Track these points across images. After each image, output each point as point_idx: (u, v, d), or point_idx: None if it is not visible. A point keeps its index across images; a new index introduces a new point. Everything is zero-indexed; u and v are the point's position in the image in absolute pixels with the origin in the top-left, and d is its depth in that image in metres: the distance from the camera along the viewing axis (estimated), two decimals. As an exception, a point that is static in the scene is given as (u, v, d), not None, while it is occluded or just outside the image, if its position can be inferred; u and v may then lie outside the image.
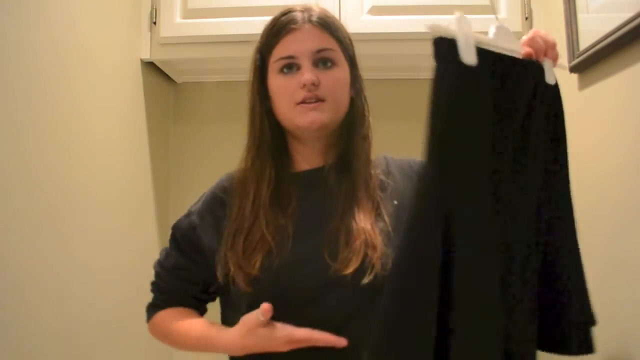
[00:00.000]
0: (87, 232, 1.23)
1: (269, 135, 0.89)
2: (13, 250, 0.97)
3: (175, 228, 0.95)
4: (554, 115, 0.81)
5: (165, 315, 0.95)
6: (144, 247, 1.59)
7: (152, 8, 1.56)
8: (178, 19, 1.55)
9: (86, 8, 1.26)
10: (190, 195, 0.96)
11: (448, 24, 0.64)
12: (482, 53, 0.66)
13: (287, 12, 0.88)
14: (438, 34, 0.64)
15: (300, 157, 0.92)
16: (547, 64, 0.79)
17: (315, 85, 0.84)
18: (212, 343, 0.87)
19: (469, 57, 0.64)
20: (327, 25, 0.87)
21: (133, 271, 1.46)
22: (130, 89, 1.54)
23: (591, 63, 1.18)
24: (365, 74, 2.06)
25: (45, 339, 1.04)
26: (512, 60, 0.72)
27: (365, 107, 0.93)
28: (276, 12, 0.90)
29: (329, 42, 0.87)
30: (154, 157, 1.67)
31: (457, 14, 0.65)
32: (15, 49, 0.99)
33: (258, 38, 0.92)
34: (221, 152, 1.62)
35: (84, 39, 1.25)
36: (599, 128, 1.17)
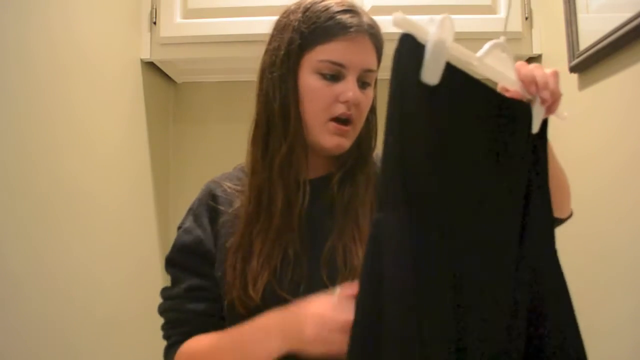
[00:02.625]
0: (86, 233, 1.23)
1: (302, 139, 0.80)
2: (11, 253, 0.96)
3: (178, 248, 0.84)
4: (535, 162, 0.70)
5: (191, 343, 0.80)
6: (144, 248, 1.59)
7: (152, 8, 1.56)
8: (178, 19, 1.55)
9: (86, 8, 1.26)
10: (190, 195, 0.96)
11: (428, 22, 0.56)
12: (452, 70, 0.58)
13: (345, 10, 0.79)
14: (407, 31, 0.55)
15: (308, 164, 0.83)
16: (535, 110, 0.67)
17: (355, 106, 0.79)
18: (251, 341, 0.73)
19: (432, 75, 0.55)
20: (378, 42, 0.82)
21: (133, 273, 1.46)
22: (130, 89, 1.54)
23: (591, 63, 1.18)
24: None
25: (45, 342, 1.04)
26: (488, 90, 0.63)
27: (376, 124, 0.87)
28: (277, 13, 0.85)
29: (375, 62, 0.82)
30: (154, 157, 1.67)
31: (442, 16, 0.57)
32: (15, 49, 0.99)
33: (266, 37, 0.84)
34: (221, 152, 1.62)
35: (84, 39, 1.25)
36: (599, 128, 1.17)
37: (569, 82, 1.27)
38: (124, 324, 1.37)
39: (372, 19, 0.82)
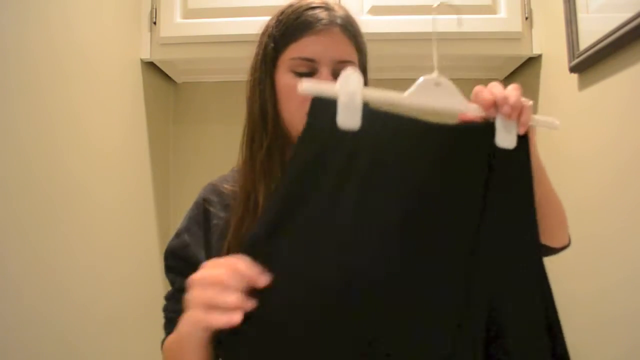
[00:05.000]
0: (86, 233, 1.23)
1: (281, 138, 0.81)
2: (11, 252, 0.96)
3: (168, 252, 0.86)
4: (506, 187, 0.66)
5: (169, 338, 0.80)
6: (144, 248, 1.59)
7: (152, 8, 1.56)
8: (178, 19, 1.55)
9: (86, 8, 1.26)
10: (190, 195, 0.96)
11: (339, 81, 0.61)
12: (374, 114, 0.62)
13: (312, 7, 0.81)
14: (316, 93, 0.61)
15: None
16: (499, 123, 0.65)
17: None
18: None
19: (349, 120, 0.61)
20: (352, 32, 0.83)
21: (132, 273, 1.46)
22: (130, 89, 1.54)
23: (591, 63, 1.18)
24: (365, 74, 2.03)
25: (44, 342, 1.04)
26: (416, 123, 0.64)
27: None
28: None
29: (351, 53, 0.82)
30: (154, 157, 1.67)
31: (346, 71, 0.62)
32: (14, 49, 0.99)
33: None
34: (221, 152, 1.62)
35: (84, 39, 1.25)
36: (599, 128, 1.17)
37: (569, 82, 1.27)
38: (124, 323, 1.37)
39: (345, 13, 0.83)
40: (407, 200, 0.63)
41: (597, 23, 1.14)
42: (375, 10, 1.53)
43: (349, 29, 0.82)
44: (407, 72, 1.74)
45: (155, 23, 1.56)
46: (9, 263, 0.95)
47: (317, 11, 0.81)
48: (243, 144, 0.86)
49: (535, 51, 1.52)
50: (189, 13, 1.54)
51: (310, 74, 0.79)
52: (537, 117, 0.67)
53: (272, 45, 0.82)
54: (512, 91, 0.66)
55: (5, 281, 0.94)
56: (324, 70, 0.79)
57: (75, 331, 1.15)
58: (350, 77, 0.62)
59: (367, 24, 1.53)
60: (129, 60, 1.53)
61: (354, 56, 0.83)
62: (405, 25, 1.50)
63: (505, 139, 0.65)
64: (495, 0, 1.51)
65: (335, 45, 0.80)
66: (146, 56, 1.57)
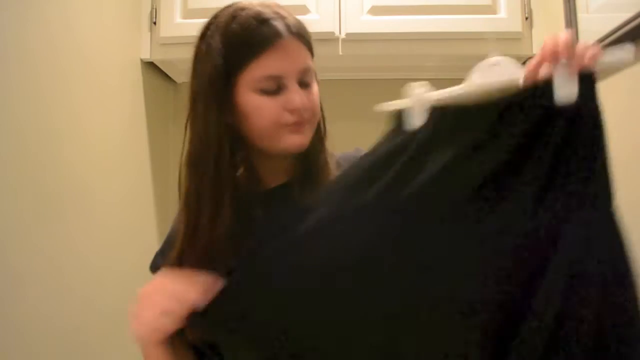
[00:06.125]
0: (87, 231, 1.23)
1: (228, 149, 0.77)
2: (14, 248, 0.96)
3: (151, 268, 0.89)
4: (568, 146, 0.58)
5: None
6: (144, 247, 1.59)
7: (152, 8, 1.56)
8: (178, 19, 1.55)
9: (86, 8, 1.26)
10: (190, 195, 0.96)
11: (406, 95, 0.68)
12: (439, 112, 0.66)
13: (263, 19, 0.75)
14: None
15: (265, 173, 0.83)
16: (557, 78, 0.57)
17: (305, 110, 0.77)
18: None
19: (415, 120, 0.66)
20: (306, 39, 0.79)
21: (132, 270, 1.46)
22: (130, 89, 1.54)
23: (591, 63, 1.18)
24: (365, 74, 2.05)
25: (45, 336, 1.04)
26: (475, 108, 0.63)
27: (324, 118, 0.85)
28: None
29: (309, 59, 0.79)
30: (154, 157, 1.67)
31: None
32: (14, 49, 0.99)
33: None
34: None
35: (84, 39, 1.25)
36: (599, 128, 1.17)
37: (569, 82, 1.27)
38: (123, 319, 1.37)
39: (293, 17, 0.78)
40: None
41: (597, 23, 1.14)
42: (375, 10, 1.52)
43: (303, 35, 0.78)
44: (407, 72, 1.75)
45: (155, 23, 1.56)
46: (11, 260, 0.95)
47: (272, 23, 0.75)
48: (185, 177, 0.86)
49: (535, 51, 1.51)
50: (189, 13, 1.54)
51: (278, 90, 0.75)
52: (606, 55, 0.57)
53: (224, 66, 0.75)
54: (562, 38, 0.58)
55: (7, 277, 0.94)
56: (292, 85, 0.76)
57: (75, 325, 1.16)
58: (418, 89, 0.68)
59: (367, 24, 1.55)
60: (129, 60, 1.53)
61: (310, 61, 0.79)
62: (405, 25, 1.50)
63: (563, 92, 0.56)
64: (495, 0, 1.51)
65: (296, 56, 0.76)
66: (146, 56, 1.57)
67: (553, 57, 0.57)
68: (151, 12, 1.56)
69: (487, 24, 1.50)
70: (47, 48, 1.10)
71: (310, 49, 0.80)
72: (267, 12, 0.76)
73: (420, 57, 1.61)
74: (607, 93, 1.14)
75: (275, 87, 0.75)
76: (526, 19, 1.51)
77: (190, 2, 1.54)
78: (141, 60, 1.58)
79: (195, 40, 0.82)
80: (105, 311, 1.29)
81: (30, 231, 1.02)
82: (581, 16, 1.23)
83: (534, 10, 1.51)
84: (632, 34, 0.99)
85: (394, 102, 0.69)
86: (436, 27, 1.50)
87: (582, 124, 0.57)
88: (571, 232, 0.57)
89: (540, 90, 0.58)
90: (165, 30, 1.55)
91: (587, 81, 0.56)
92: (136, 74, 1.57)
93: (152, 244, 1.66)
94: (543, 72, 0.58)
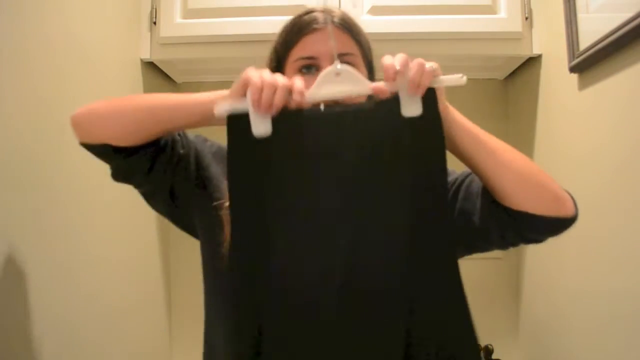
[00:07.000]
0: (89, 230, 1.23)
1: None
2: (17, 245, 0.97)
3: (195, 136, 1.00)
4: (418, 154, 0.72)
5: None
6: (145, 246, 1.60)
7: (152, 8, 1.56)
8: (178, 19, 1.55)
9: (85, 8, 1.26)
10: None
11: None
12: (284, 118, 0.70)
13: (308, 12, 0.87)
14: (231, 110, 0.71)
15: None
16: (402, 95, 0.70)
17: None
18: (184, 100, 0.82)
19: (260, 128, 0.69)
20: (350, 28, 0.86)
21: (134, 268, 1.46)
22: (130, 89, 1.54)
23: (591, 63, 1.18)
24: (365, 74, 2.03)
25: (48, 332, 1.04)
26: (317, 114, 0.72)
27: None
28: (277, 13, 0.90)
29: (351, 46, 0.86)
30: (154, 157, 1.67)
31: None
32: (13, 49, 0.99)
33: (266, 37, 0.91)
34: (221, 152, 1.62)
35: (83, 39, 1.25)
36: (599, 128, 1.17)
37: (569, 82, 1.27)
38: (126, 316, 1.38)
39: (342, 12, 0.87)
40: (341, 186, 0.73)
41: (597, 23, 1.14)
42: (375, 10, 1.53)
43: (345, 25, 0.85)
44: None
45: (155, 23, 1.56)
46: (13, 258, 0.95)
47: (313, 14, 0.86)
48: None
49: (535, 51, 1.52)
50: (189, 13, 1.54)
51: (314, 71, 0.83)
52: (442, 77, 0.71)
53: (276, 55, 0.88)
54: (402, 56, 0.71)
55: (8, 275, 0.94)
56: (326, 65, 0.81)
57: (78, 321, 1.16)
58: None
59: (367, 24, 1.54)
60: (129, 60, 1.53)
61: (354, 49, 0.86)
62: (405, 25, 1.50)
63: (409, 108, 0.70)
64: (495, 0, 1.51)
65: (334, 40, 0.82)
66: (146, 56, 1.57)
67: (393, 77, 0.69)
68: (151, 12, 1.56)
69: (487, 24, 1.50)
70: (47, 48, 1.10)
71: (355, 39, 0.86)
72: (314, 8, 0.87)
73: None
74: (607, 93, 1.14)
75: (310, 68, 0.84)
76: (526, 19, 1.51)
77: (190, 2, 1.54)
78: (141, 60, 1.58)
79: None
80: (107, 308, 1.29)
81: (33, 228, 1.02)
82: (581, 16, 1.23)
83: (534, 10, 1.52)
84: (632, 34, 0.99)
85: (234, 103, 0.72)
86: (436, 27, 1.50)
87: (427, 132, 0.71)
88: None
89: (389, 103, 0.71)
90: (165, 30, 1.55)
91: (429, 94, 0.70)
92: (136, 74, 1.57)
93: (152, 244, 1.66)
94: (389, 89, 0.70)
